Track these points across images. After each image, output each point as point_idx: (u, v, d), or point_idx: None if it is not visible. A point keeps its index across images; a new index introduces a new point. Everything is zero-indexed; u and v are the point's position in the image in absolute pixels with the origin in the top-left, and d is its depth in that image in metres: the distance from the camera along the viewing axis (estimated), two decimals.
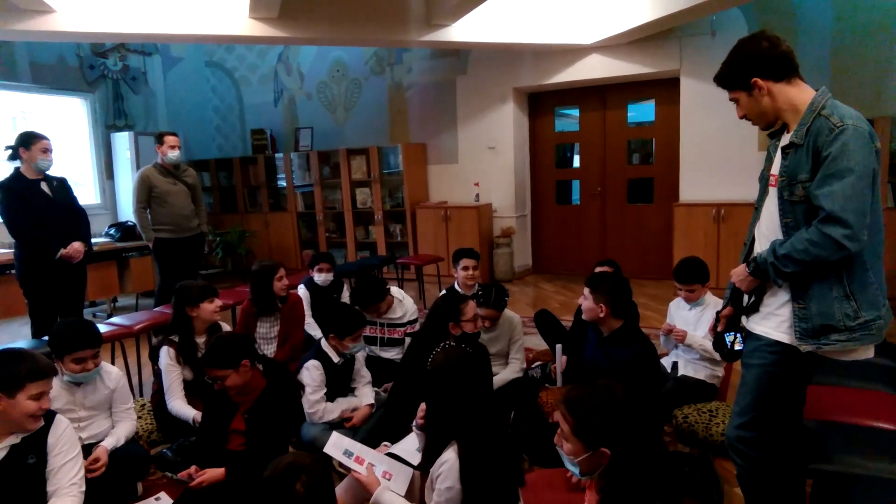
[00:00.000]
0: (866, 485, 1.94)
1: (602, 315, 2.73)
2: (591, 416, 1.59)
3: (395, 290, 3.79)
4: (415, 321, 3.73)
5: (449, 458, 1.86)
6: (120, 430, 2.70)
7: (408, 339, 3.69)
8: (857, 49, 5.46)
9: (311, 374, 3.01)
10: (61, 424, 2.19)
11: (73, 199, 4.27)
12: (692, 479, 2.51)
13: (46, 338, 3.42)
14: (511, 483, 1.89)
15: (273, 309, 3.80)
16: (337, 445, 2.06)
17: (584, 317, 2.86)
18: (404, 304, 3.73)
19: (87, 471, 2.39)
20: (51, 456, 2.12)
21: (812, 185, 1.71)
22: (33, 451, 2.10)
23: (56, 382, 2.59)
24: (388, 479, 2.04)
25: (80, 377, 2.57)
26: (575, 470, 1.65)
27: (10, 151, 4.01)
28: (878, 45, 5.38)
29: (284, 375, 2.87)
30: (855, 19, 5.45)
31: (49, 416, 2.16)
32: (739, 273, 1.92)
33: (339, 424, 2.99)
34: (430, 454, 1.95)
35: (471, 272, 3.87)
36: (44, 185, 4.05)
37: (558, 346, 3.43)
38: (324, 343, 3.11)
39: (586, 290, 2.78)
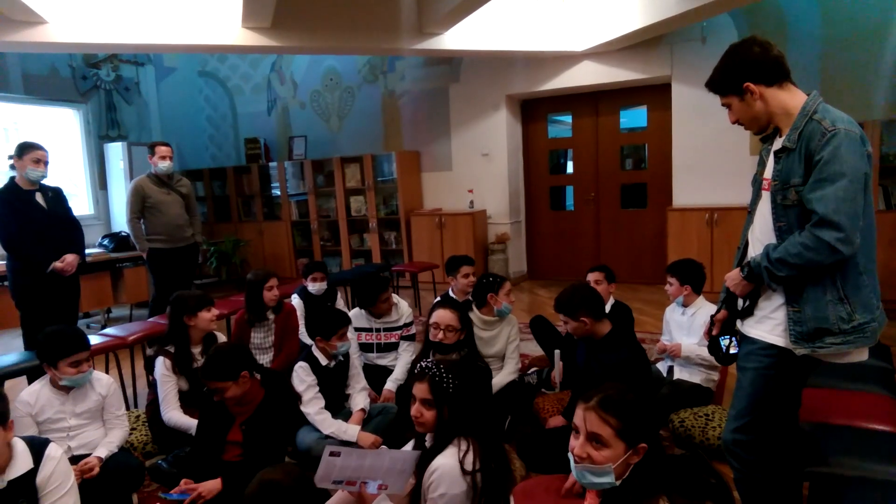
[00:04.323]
0: (863, 487, 1.94)
1: (588, 326, 2.73)
2: (636, 414, 1.59)
3: None
4: (410, 324, 3.77)
5: (441, 465, 1.86)
6: (112, 437, 2.71)
7: (403, 343, 3.70)
8: (846, 54, 5.51)
9: (300, 375, 3.03)
10: (50, 463, 2.07)
11: (68, 210, 4.25)
12: (708, 486, 2.51)
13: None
14: (505, 484, 1.92)
15: (262, 318, 3.81)
16: (326, 476, 1.99)
17: (573, 335, 2.85)
18: (399, 307, 3.77)
19: (79, 474, 2.40)
20: (42, 495, 2.04)
21: (805, 189, 1.72)
22: (23, 494, 2.01)
23: (46, 391, 2.62)
24: (385, 489, 2.03)
25: (77, 379, 2.60)
26: (609, 479, 1.57)
27: (10, 161, 4.00)
28: (866, 50, 5.43)
29: (281, 385, 2.86)
30: (843, 25, 5.50)
31: (38, 454, 2.07)
32: (734, 277, 1.93)
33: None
34: (433, 453, 1.95)
35: (471, 279, 3.96)
36: (38, 196, 4.02)
37: (557, 352, 3.44)
38: (314, 349, 3.13)
39: (562, 317, 2.78)
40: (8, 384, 3.11)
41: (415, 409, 2.02)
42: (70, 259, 4.08)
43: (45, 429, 2.60)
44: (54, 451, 2.11)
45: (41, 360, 2.62)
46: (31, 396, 2.60)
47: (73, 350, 2.58)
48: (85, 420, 2.68)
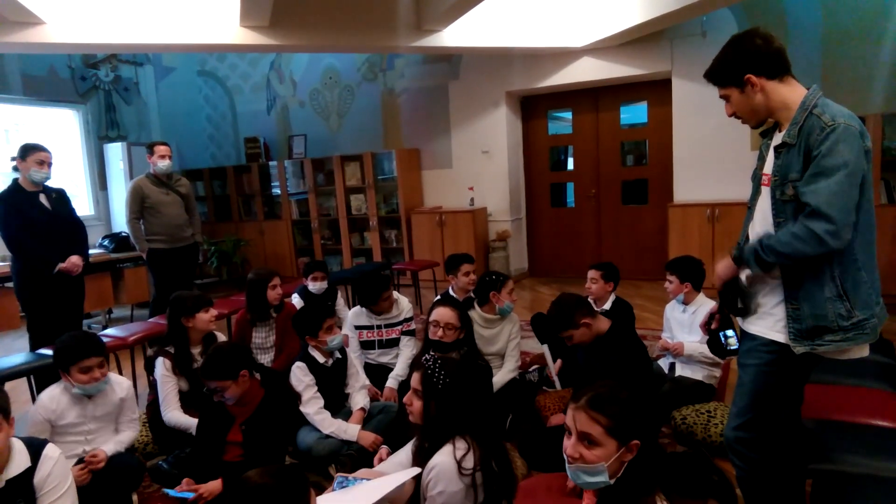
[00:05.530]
0: (866, 483, 1.93)
1: (592, 326, 2.72)
2: (626, 411, 1.57)
3: None
4: (410, 319, 3.78)
5: (438, 464, 1.85)
6: (122, 436, 2.71)
7: (404, 338, 3.70)
8: (846, 47, 5.49)
9: (297, 375, 3.02)
10: (47, 462, 2.05)
11: (72, 211, 4.25)
12: (710, 483, 2.49)
13: (44, 351, 3.42)
14: (509, 482, 1.91)
15: (266, 317, 3.80)
16: None
17: (581, 342, 2.81)
18: (400, 303, 3.79)
19: (88, 463, 2.43)
20: (40, 495, 2.03)
21: (801, 182, 1.71)
22: (21, 494, 2.00)
23: (65, 397, 2.60)
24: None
25: (89, 388, 2.57)
26: (603, 478, 1.56)
27: (13, 163, 4.00)
28: (867, 43, 5.40)
29: (281, 385, 2.86)
30: (844, 18, 5.48)
31: (35, 454, 2.05)
32: (724, 263, 1.93)
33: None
34: (428, 452, 1.94)
35: (472, 277, 3.96)
36: (42, 198, 4.02)
37: (545, 347, 3.45)
38: (310, 348, 3.12)
39: (566, 334, 2.75)
40: (9, 385, 3.10)
41: (407, 396, 2.05)
42: (74, 260, 4.07)
43: (63, 433, 2.58)
44: (52, 451, 2.09)
45: (56, 367, 2.60)
46: (51, 402, 2.57)
47: (81, 355, 2.53)
48: (103, 423, 2.68)
